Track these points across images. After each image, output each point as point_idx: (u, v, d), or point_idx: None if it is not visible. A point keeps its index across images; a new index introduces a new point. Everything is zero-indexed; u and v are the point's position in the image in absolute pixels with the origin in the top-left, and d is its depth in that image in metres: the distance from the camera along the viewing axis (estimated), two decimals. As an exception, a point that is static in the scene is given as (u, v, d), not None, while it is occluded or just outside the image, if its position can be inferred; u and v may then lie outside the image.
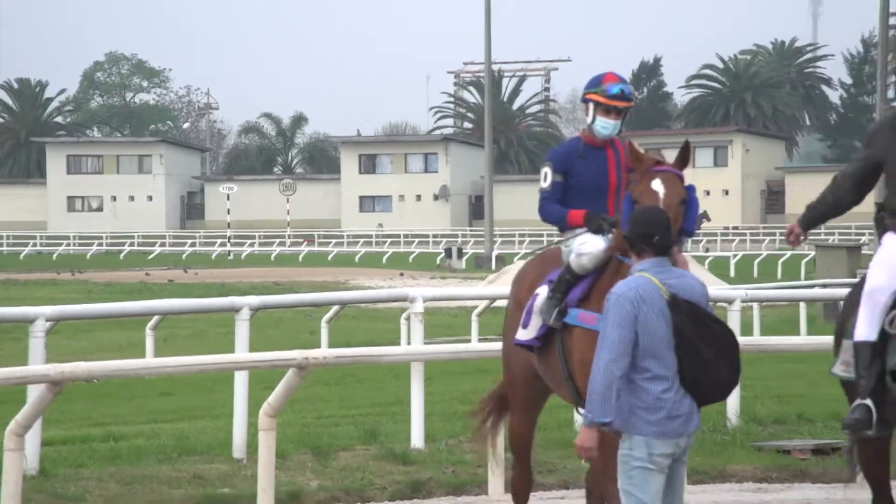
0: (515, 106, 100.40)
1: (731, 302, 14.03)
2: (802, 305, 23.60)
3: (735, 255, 49.54)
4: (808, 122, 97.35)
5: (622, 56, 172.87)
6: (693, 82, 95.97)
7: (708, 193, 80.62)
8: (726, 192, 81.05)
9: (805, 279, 36.01)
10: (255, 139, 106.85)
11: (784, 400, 14.37)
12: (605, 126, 7.29)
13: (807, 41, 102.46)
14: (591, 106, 7.31)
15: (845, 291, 28.49)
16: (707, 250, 57.34)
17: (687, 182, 6.61)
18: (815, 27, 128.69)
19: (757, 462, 11.16)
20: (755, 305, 19.93)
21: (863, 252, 35.00)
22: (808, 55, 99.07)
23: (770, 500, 9.55)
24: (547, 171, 7.37)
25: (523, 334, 7.29)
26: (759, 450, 11.58)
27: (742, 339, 11.96)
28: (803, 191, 78.42)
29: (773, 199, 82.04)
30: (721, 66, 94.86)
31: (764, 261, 48.49)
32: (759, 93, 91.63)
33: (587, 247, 7.01)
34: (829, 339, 15.84)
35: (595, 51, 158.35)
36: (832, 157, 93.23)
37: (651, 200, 6.32)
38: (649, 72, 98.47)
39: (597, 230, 7.09)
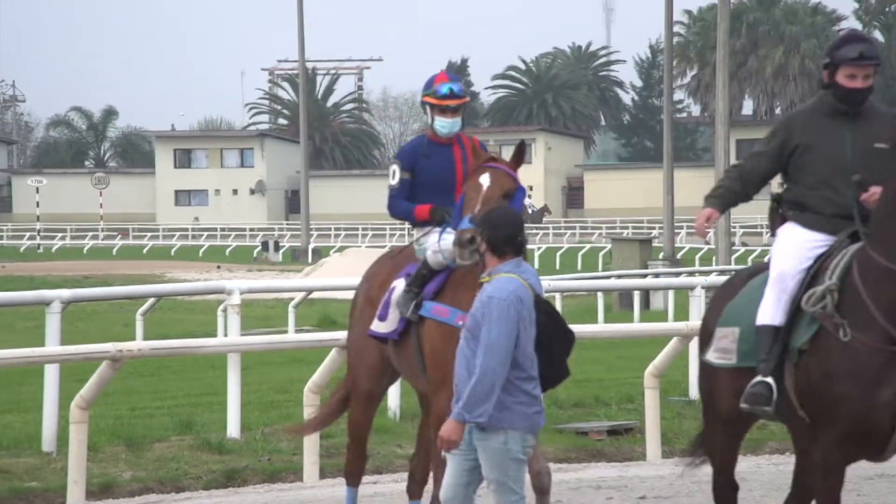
0: (330, 103, 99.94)
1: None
2: (600, 295, 24.07)
3: (539, 248, 50.24)
4: (603, 122, 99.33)
5: (432, 56, 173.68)
6: (498, 83, 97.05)
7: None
8: (531, 188, 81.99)
9: (602, 270, 36.71)
10: (64, 133, 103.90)
11: (582, 384, 14.57)
12: (444, 125, 7.40)
13: (601, 45, 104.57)
14: (427, 108, 7.44)
15: (639, 282, 29.28)
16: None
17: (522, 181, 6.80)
18: (608, 33, 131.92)
19: (558, 443, 11.30)
20: (557, 295, 20.23)
21: (653, 245, 35.88)
22: (603, 59, 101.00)
23: (569, 479, 9.67)
24: (395, 168, 7.47)
25: (380, 326, 7.27)
26: (559, 432, 11.74)
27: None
28: (600, 187, 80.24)
29: (574, 194, 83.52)
30: (524, 67, 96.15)
31: (565, 253, 49.29)
32: (559, 94, 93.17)
33: (444, 243, 7.06)
34: (623, 327, 16.30)
35: (406, 51, 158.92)
36: (626, 156, 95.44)
37: (475, 193, 6.55)
38: (457, 72, 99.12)
39: (440, 222, 7.20)
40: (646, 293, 26.01)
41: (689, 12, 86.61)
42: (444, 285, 7.06)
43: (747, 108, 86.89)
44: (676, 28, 75.30)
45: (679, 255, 37.40)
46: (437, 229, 7.22)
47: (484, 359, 5.80)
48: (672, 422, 12.02)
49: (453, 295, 6.94)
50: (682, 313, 20.06)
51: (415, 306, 7.06)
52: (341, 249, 45.14)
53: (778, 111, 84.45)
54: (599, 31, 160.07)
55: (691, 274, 26.44)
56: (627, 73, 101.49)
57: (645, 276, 26.95)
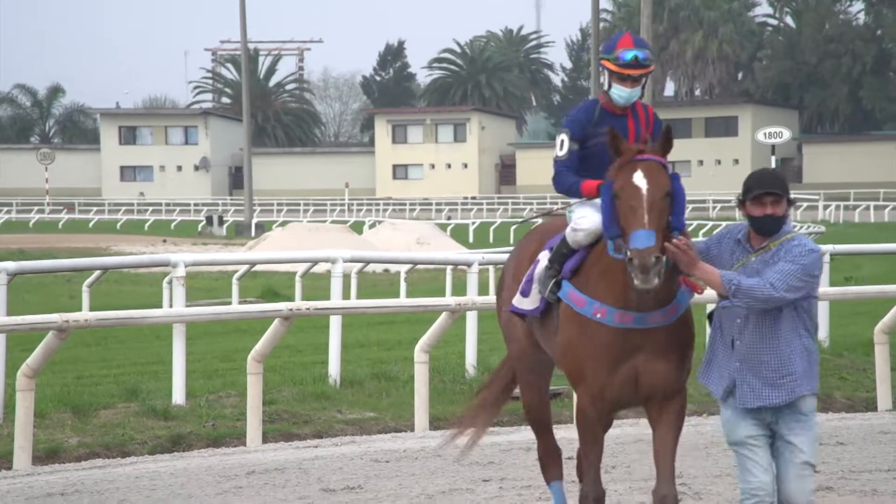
0: (272, 83, 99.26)
1: (469, 265, 14.17)
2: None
3: (473, 223, 50.24)
4: (534, 103, 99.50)
5: (370, 38, 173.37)
6: (434, 65, 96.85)
7: (449, 166, 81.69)
8: (465, 166, 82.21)
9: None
10: (8, 110, 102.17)
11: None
12: (621, 94, 6.25)
13: (532, 29, 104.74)
14: (605, 72, 6.29)
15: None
16: (449, 218, 57.96)
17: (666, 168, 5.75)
18: (538, 17, 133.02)
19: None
20: (491, 268, 20.17)
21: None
22: (533, 42, 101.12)
23: (501, 441, 9.70)
24: (563, 138, 6.41)
25: (522, 302, 6.31)
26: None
27: (480, 299, 12.11)
28: (532, 164, 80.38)
29: (507, 172, 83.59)
30: (459, 50, 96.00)
31: (498, 228, 49.34)
32: (492, 76, 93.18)
33: (585, 222, 6.08)
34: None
35: (345, 33, 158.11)
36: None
37: (635, 200, 5.52)
38: (394, 54, 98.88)
39: None
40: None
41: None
42: (582, 265, 6.06)
43: (669, 89, 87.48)
44: (603, 14, 75.62)
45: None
46: (588, 204, 6.12)
47: (780, 282, 5.38)
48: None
49: (587, 279, 5.94)
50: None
51: (554, 285, 6.09)
52: (283, 224, 44.84)
53: (697, 92, 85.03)
54: (530, 16, 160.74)
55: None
56: (558, 56, 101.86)
57: (575, 248, 26.91)
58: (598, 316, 5.76)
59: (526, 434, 10.11)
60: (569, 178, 6.32)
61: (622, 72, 6.18)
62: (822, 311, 15.10)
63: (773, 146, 49.28)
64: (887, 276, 22.24)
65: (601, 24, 59.81)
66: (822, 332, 14.99)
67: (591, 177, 6.19)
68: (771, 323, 5.48)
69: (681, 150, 76.02)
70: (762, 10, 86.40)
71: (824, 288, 15.92)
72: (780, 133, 49.02)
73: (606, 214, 5.66)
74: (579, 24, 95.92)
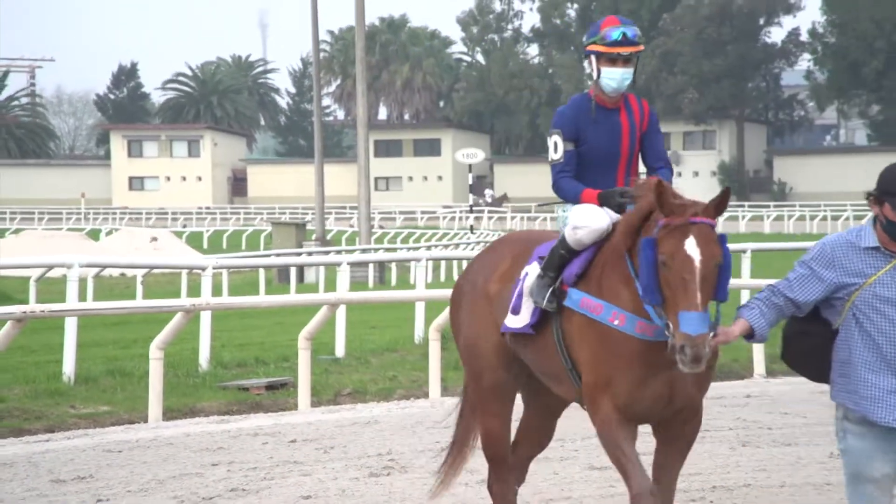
0: (3, 97, 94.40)
1: (204, 269, 13.89)
2: (262, 271, 23.82)
3: (208, 231, 49.24)
4: (263, 123, 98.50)
5: (102, 59, 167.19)
6: (168, 86, 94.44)
7: (184, 179, 79.79)
8: (200, 178, 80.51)
9: (264, 250, 36.36)
10: None
11: (245, 347, 14.39)
12: (612, 77, 5.15)
13: (259, 56, 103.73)
14: (592, 59, 5.19)
15: (295, 259, 28.87)
16: (184, 226, 56.60)
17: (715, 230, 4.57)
18: (264, 46, 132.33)
19: (222, 399, 11.12)
20: (224, 272, 19.86)
21: (307, 228, 35.87)
22: (260, 68, 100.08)
23: (231, 428, 9.50)
24: (556, 139, 5.23)
25: (514, 321, 5.18)
26: (223, 389, 11.52)
27: (214, 300, 11.91)
28: (261, 178, 79.58)
29: (238, 184, 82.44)
30: (190, 73, 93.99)
31: (231, 235, 48.54)
32: (223, 97, 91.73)
33: (586, 219, 5.05)
34: (282, 298, 16.19)
35: (77, 53, 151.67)
36: (283, 152, 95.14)
37: (687, 272, 4.39)
38: (128, 74, 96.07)
39: (618, 211, 5.07)
40: (301, 269, 25.94)
41: (332, 32, 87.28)
42: (588, 269, 4.99)
43: (382, 113, 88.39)
44: (323, 45, 75.65)
45: (328, 237, 37.57)
46: (584, 206, 5.12)
47: None
48: (320, 377, 12.05)
49: (600, 283, 4.90)
50: (331, 286, 20.12)
51: (552, 294, 5.02)
52: (17, 231, 42.61)
53: (406, 117, 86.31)
54: (257, 44, 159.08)
55: (339, 252, 26.58)
56: (283, 81, 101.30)
57: (300, 254, 26.85)
58: (616, 322, 4.77)
59: (254, 421, 9.99)
60: (569, 186, 5.23)
61: (611, 51, 5.13)
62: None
63: (470, 165, 50.53)
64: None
65: (321, 55, 59.87)
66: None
67: (585, 178, 5.23)
68: None
69: (393, 167, 76.99)
70: (458, 47, 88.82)
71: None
72: (476, 154, 50.31)
73: (648, 277, 4.51)
74: (300, 54, 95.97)
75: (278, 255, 25.97)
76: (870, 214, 4.28)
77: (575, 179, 5.23)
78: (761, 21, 69.69)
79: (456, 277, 28.25)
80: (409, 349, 14.16)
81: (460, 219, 55.67)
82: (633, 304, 4.74)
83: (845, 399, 4.25)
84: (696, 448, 5.49)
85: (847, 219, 49.14)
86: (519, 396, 5.65)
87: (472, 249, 32.83)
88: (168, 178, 79.99)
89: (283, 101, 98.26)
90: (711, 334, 4.36)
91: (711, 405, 10.61)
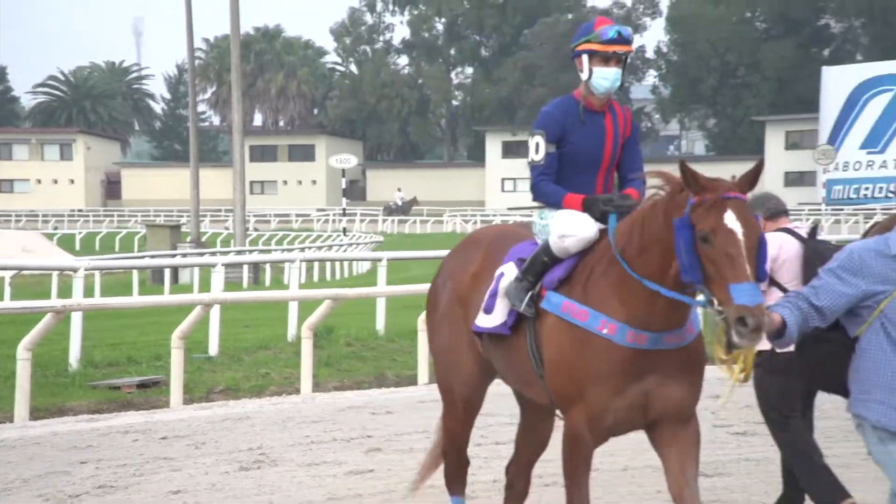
0: None
1: (75, 270, 13.47)
2: (135, 272, 23.26)
3: (80, 233, 47.87)
4: (137, 127, 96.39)
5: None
6: (38, 90, 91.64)
7: (56, 182, 77.47)
8: (72, 181, 78.27)
9: (137, 251, 35.54)
10: None
11: (117, 347, 13.99)
12: (606, 77, 4.85)
13: (133, 62, 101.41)
14: (584, 58, 4.88)
15: (169, 261, 28.24)
16: (56, 228, 54.95)
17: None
18: (139, 52, 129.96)
19: (91, 398, 10.77)
20: (97, 273, 19.31)
21: (182, 230, 35.22)
22: (135, 74, 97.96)
23: (100, 426, 9.20)
24: (538, 140, 4.89)
25: (486, 320, 4.91)
26: (94, 388, 11.17)
27: (86, 301, 11.53)
28: (136, 181, 77.81)
29: (112, 187, 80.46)
30: (63, 78, 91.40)
31: (104, 237, 47.30)
32: (97, 102, 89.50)
33: (573, 228, 4.73)
34: (155, 298, 15.83)
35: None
36: (158, 156, 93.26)
37: (732, 246, 4.04)
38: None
39: (602, 218, 4.75)
40: (175, 270, 25.40)
41: (207, 40, 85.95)
42: (573, 274, 4.69)
43: (258, 119, 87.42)
44: (198, 53, 74.43)
45: (203, 239, 36.92)
46: (571, 214, 4.79)
47: None
48: (193, 375, 11.79)
49: (587, 290, 4.58)
50: (205, 286, 19.75)
51: (531, 298, 4.74)
52: None
53: (281, 123, 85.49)
54: (131, 50, 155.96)
55: (213, 254, 26.13)
56: (158, 87, 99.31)
57: (174, 255, 26.31)
58: (605, 331, 4.45)
59: (125, 419, 9.69)
60: (549, 189, 4.91)
61: (606, 49, 4.83)
62: (380, 306, 15.54)
63: (343, 170, 50.30)
64: (429, 276, 23.16)
65: (197, 62, 58.81)
66: (380, 323, 15.44)
67: (565, 181, 4.92)
68: None
69: (268, 171, 76.17)
70: (331, 57, 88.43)
71: (382, 287, 16.45)
72: (349, 159, 50.14)
73: (687, 256, 4.12)
74: (175, 61, 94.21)
75: (152, 256, 25.40)
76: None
77: (555, 183, 4.92)
78: None
79: (329, 278, 28.15)
80: (282, 347, 13.97)
81: (334, 221, 55.41)
82: (624, 312, 4.43)
83: (863, 409, 3.96)
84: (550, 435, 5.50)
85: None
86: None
87: (345, 251, 32.66)
88: (39, 181, 77.55)
89: (157, 107, 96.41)
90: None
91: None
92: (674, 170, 4.27)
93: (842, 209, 49.76)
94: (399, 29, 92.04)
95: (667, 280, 4.28)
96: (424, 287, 13.94)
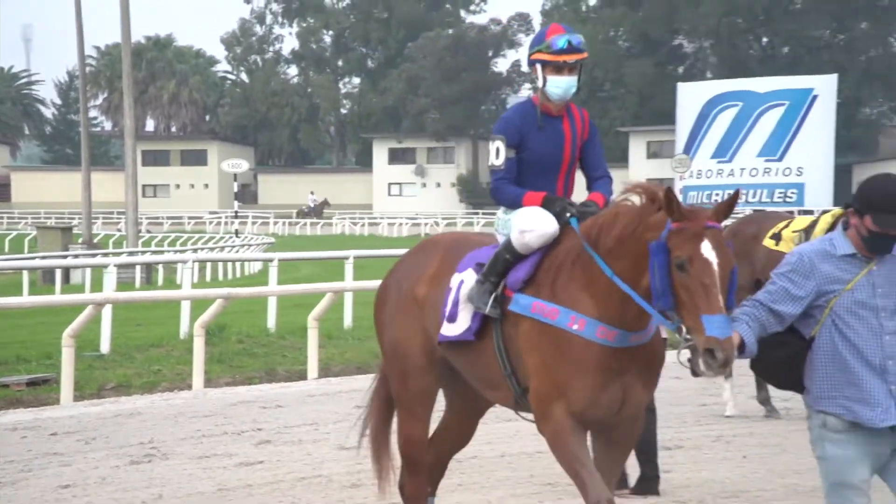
0: None
1: (-38, 270, 12.96)
2: (26, 273, 22.56)
3: (-30, 236, 46.16)
4: (28, 132, 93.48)
5: None
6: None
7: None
8: (-33, 186, 75.68)
9: (28, 253, 34.45)
10: None
11: (6, 346, 13.51)
12: (558, 85, 4.75)
13: (23, 68, 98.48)
14: (538, 67, 4.78)
15: (60, 262, 27.47)
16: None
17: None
18: (28, 57, 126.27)
19: (-18, 397, 10.34)
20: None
21: (74, 232, 34.28)
22: (25, 80, 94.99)
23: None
24: (498, 145, 4.77)
25: (451, 329, 4.69)
26: (-16, 387, 10.74)
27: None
28: (27, 184, 75.57)
29: (2, 190, 77.94)
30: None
31: (-5, 239, 45.74)
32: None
33: (533, 223, 4.56)
34: (46, 298, 15.33)
35: None
36: (49, 160, 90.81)
37: (707, 276, 3.93)
38: None
39: (559, 216, 4.62)
40: (67, 271, 24.68)
41: (98, 48, 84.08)
42: (538, 273, 4.52)
43: (150, 125, 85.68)
44: (89, 60, 72.48)
45: (96, 240, 36.00)
46: (531, 210, 4.63)
47: None
48: (84, 372, 11.45)
49: (554, 288, 4.42)
50: (97, 287, 19.23)
51: (495, 300, 4.54)
52: None
53: (174, 129, 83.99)
54: (20, 57, 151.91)
55: (106, 255, 25.47)
56: (48, 92, 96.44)
57: (66, 256, 25.55)
58: (575, 327, 4.32)
59: (13, 416, 9.32)
60: (509, 190, 4.76)
61: (557, 59, 4.73)
62: (272, 304, 15.35)
63: (235, 175, 49.57)
64: (318, 276, 23.07)
65: (88, 69, 57.35)
66: (271, 321, 15.25)
67: (526, 185, 4.77)
68: None
69: (161, 175, 74.71)
70: (223, 66, 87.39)
71: (273, 286, 16.24)
72: (241, 164, 49.40)
73: (661, 281, 4.02)
74: (66, 67, 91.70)
75: (43, 257, 24.62)
76: (839, 222, 4.01)
77: (515, 185, 4.76)
78: (490, 53, 72.96)
79: (221, 278, 27.72)
80: (175, 345, 13.67)
81: (226, 223, 54.61)
82: (595, 308, 4.30)
83: (828, 405, 3.90)
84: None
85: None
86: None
87: (237, 251, 32.20)
88: (-77, 185, 74.81)
89: (48, 112, 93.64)
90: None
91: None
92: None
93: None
94: (288, 40, 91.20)
95: (640, 288, 4.17)
96: (315, 286, 13.88)
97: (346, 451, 7.40)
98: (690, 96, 60.85)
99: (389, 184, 71.35)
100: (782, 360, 3.96)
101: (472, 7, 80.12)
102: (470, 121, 71.67)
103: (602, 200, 4.72)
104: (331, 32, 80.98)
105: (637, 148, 65.92)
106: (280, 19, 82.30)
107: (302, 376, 11.77)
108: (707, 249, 3.98)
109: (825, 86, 56.78)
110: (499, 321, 4.55)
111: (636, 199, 4.25)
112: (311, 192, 66.18)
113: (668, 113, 62.75)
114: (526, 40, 73.08)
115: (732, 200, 4.09)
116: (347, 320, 15.61)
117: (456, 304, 4.69)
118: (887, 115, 68.54)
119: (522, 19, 74.02)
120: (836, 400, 3.88)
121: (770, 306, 3.91)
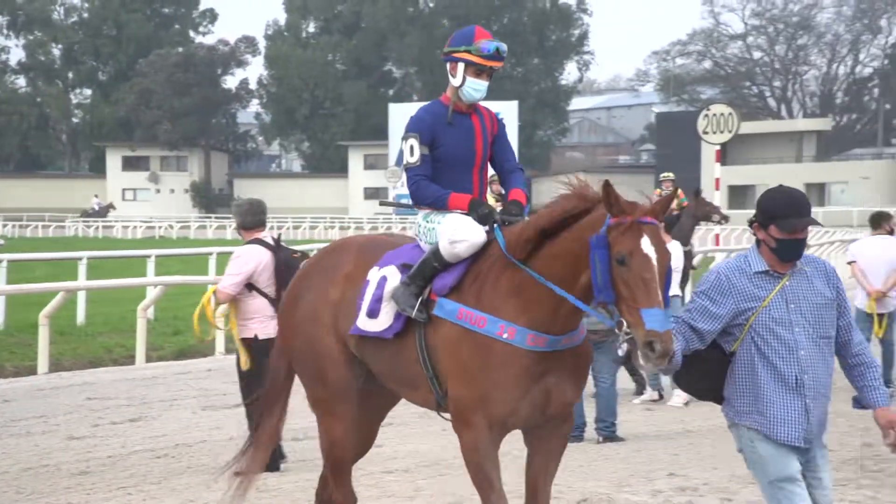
0: None
1: None
2: None
3: None
4: None
5: None
6: None
7: None
8: None
9: None
10: None
11: None
12: (477, 88, 4.37)
13: None
14: (460, 66, 4.36)
15: None
16: None
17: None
18: None
19: None
20: None
21: None
22: None
23: None
24: (413, 142, 4.37)
25: (370, 324, 4.25)
26: None
27: None
28: None
29: None
30: None
31: None
32: None
33: (464, 233, 4.17)
34: None
35: None
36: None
37: (645, 268, 3.65)
38: None
39: (484, 221, 4.22)
40: None
41: None
42: (464, 279, 4.14)
43: None
44: None
45: None
46: (454, 213, 4.26)
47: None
48: None
49: (481, 296, 4.05)
50: None
51: (422, 304, 4.16)
52: None
53: None
54: None
55: None
56: None
57: None
58: (506, 336, 3.96)
59: None
60: (430, 189, 4.36)
61: (484, 63, 4.35)
62: (0, 303, 14.31)
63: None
64: (52, 276, 21.75)
65: None
66: (-1, 319, 14.22)
67: (441, 181, 4.38)
68: (830, 351, 3.78)
69: None
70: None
71: (2, 286, 15.10)
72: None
73: (603, 276, 3.72)
74: None
75: None
76: (753, 240, 3.82)
77: (433, 183, 4.39)
78: (219, 70, 72.21)
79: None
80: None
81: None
82: (524, 316, 3.97)
83: (746, 420, 3.75)
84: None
85: (303, 229, 51.03)
86: None
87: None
88: None
89: None
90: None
91: (178, 379, 10.51)
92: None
93: (407, 217, 52.66)
94: (15, 51, 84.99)
95: (575, 289, 3.88)
96: (47, 286, 13.01)
97: (75, 441, 7.07)
98: (400, 115, 62.58)
99: (124, 189, 69.14)
100: (704, 374, 3.80)
101: (202, 28, 78.71)
102: (201, 132, 70.82)
103: (524, 198, 4.41)
104: (60, 46, 76.86)
105: (355, 160, 67.16)
106: (5, 31, 77.23)
107: (32, 371, 11.07)
108: (647, 245, 3.72)
109: (509, 110, 60.00)
110: (422, 325, 4.21)
111: (566, 203, 3.96)
112: (96, 196, 63.14)
113: (382, 129, 64.18)
114: (253, 59, 72.87)
115: (670, 198, 3.93)
116: (80, 317, 14.87)
117: (378, 300, 4.31)
118: (556, 137, 73.36)
119: (249, 42, 73.86)
120: (752, 416, 3.74)
121: (691, 324, 3.74)
